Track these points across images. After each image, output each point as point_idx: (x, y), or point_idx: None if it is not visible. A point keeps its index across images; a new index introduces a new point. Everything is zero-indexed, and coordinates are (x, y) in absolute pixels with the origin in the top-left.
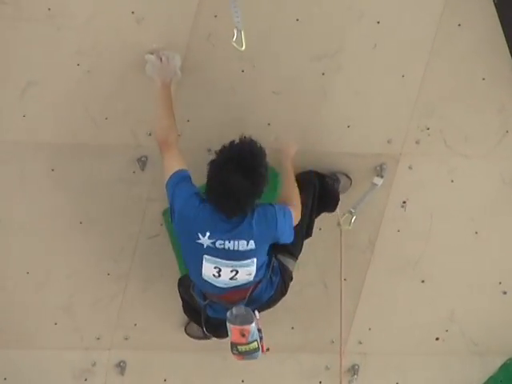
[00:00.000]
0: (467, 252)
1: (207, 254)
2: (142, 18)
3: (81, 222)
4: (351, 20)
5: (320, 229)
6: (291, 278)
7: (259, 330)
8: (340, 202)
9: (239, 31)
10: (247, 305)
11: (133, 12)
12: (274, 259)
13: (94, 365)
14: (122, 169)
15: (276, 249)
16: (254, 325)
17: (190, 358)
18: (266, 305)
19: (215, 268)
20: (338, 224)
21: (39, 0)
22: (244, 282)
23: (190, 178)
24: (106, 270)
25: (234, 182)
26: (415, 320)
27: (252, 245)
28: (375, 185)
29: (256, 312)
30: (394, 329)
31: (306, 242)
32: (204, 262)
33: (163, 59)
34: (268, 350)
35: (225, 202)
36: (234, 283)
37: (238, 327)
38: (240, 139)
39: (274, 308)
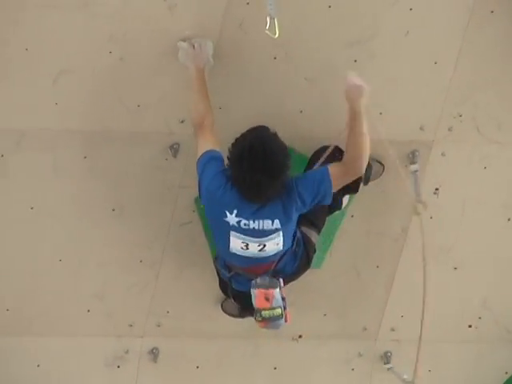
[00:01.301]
0: (500, 239)
1: (234, 231)
2: (175, 4)
3: (113, 209)
4: (384, 6)
5: (352, 216)
6: (315, 251)
7: (283, 299)
8: (376, 186)
9: (272, 19)
10: (273, 275)
11: None
12: (297, 231)
13: (126, 352)
14: (154, 156)
15: (299, 221)
16: (278, 290)
17: (223, 345)
18: (290, 277)
19: (243, 243)
20: (417, 213)
21: None
22: (273, 252)
23: (222, 159)
24: (138, 257)
25: (250, 179)
26: (448, 307)
27: (277, 224)
28: (416, 171)
29: (280, 279)
30: (427, 316)
31: (340, 230)
32: (231, 237)
33: (196, 46)
34: (301, 336)
35: (246, 194)
36: (263, 254)
37: (262, 290)
38: (250, 132)
39: (306, 295)
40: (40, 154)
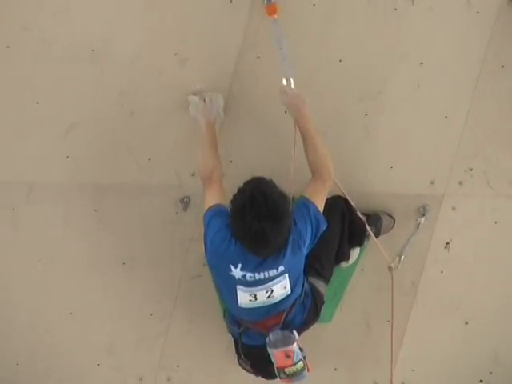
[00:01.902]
0: (511, 293)
1: (240, 285)
2: (186, 59)
3: (124, 263)
4: (394, 61)
5: (363, 270)
6: (323, 302)
7: (301, 350)
8: (384, 243)
9: (288, 79)
10: (282, 329)
11: (176, 53)
12: (305, 282)
13: None
14: (165, 209)
15: (306, 272)
16: (295, 344)
17: None
18: (299, 329)
19: (250, 295)
20: (389, 268)
21: (83, 41)
22: (281, 296)
23: (227, 214)
24: (148, 310)
25: (256, 229)
26: (459, 362)
27: (281, 268)
28: (419, 224)
29: (294, 331)
30: (438, 370)
31: (351, 284)
32: (238, 291)
33: (206, 100)
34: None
35: (252, 246)
36: (272, 300)
37: (281, 350)
38: (247, 184)
39: (316, 349)
40: (50, 207)
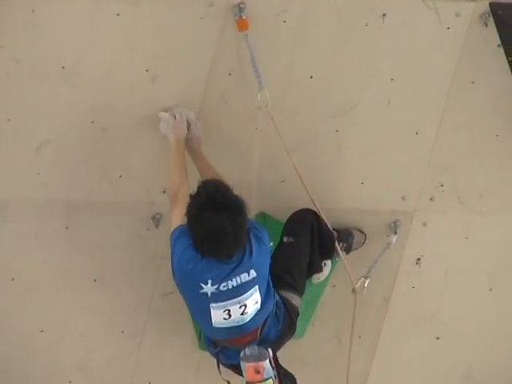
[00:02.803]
0: (482, 309)
1: (214, 302)
2: (157, 75)
3: (95, 280)
4: (365, 77)
5: (334, 286)
6: (298, 314)
7: (273, 368)
8: (354, 260)
9: (263, 90)
10: (258, 345)
11: (147, 70)
12: (276, 295)
13: None
14: (136, 226)
15: (276, 285)
16: (267, 361)
17: None
18: (276, 343)
19: (224, 311)
20: (353, 290)
21: (53, 58)
22: (253, 312)
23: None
24: (120, 327)
25: (216, 225)
26: (431, 377)
27: (253, 273)
28: (390, 243)
29: (269, 349)
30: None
31: (323, 299)
32: (212, 310)
33: (177, 116)
34: None
35: (219, 250)
36: (246, 318)
37: (252, 364)
38: (202, 185)
39: (289, 364)
40: (22, 224)
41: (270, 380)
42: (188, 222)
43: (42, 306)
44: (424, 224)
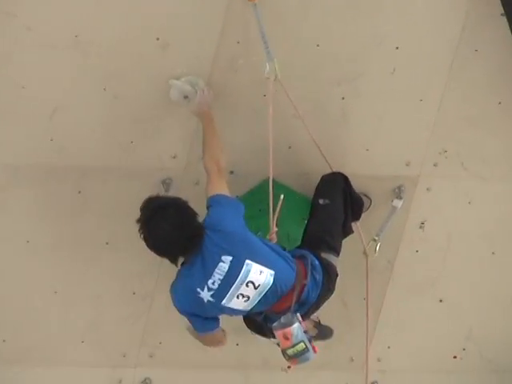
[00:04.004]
0: (484, 272)
1: (221, 300)
2: (167, 44)
3: (107, 243)
4: (371, 46)
5: None
6: (337, 275)
7: (305, 332)
8: (361, 224)
9: (271, 60)
10: (299, 307)
11: (158, 38)
12: (313, 258)
13: (120, 382)
14: (147, 191)
15: (318, 247)
16: (295, 326)
17: (214, 375)
18: (316, 304)
19: (238, 298)
20: (364, 253)
21: (66, 27)
22: (269, 278)
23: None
24: (131, 289)
25: (162, 231)
26: (433, 338)
27: (227, 259)
28: (395, 207)
29: (298, 314)
30: (413, 347)
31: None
32: (228, 305)
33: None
34: (289, 367)
35: (174, 248)
36: (264, 288)
37: (279, 331)
38: (142, 211)
39: None
40: (35, 189)
41: (301, 344)
42: (144, 235)
43: (56, 268)
44: (428, 189)
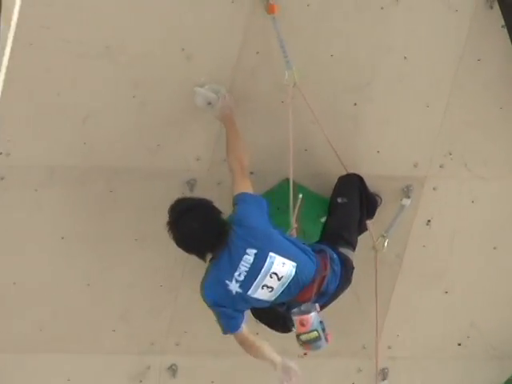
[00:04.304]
0: (487, 265)
1: (247, 291)
2: (192, 54)
3: (136, 239)
4: (381, 55)
5: None
6: (353, 267)
7: (321, 322)
8: (372, 221)
9: (290, 69)
10: (319, 298)
11: (183, 49)
12: (332, 252)
13: (148, 368)
14: (173, 190)
15: (336, 242)
16: (313, 314)
17: (235, 361)
18: (334, 295)
19: (263, 288)
20: (373, 248)
21: (98, 38)
22: (291, 269)
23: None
24: (159, 282)
25: (191, 230)
26: (439, 327)
27: (252, 252)
28: (403, 206)
29: (316, 304)
30: (420, 335)
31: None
32: (254, 296)
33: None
34: (306, 354)
35: (202, 245)
36: (287, 279)
37: (297, 317)
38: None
39: None
40: (70, 189)
41: (315, 332)
42: (176, 234)
43: (89, 262)
44: (434, 189)
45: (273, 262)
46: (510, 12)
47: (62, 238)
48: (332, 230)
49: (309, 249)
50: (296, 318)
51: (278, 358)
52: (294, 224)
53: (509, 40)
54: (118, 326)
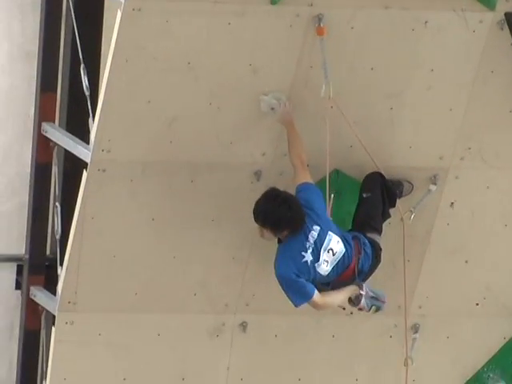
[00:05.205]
0: (499, 239)
1: (316, 262)
2: (257, 68)
3: (213, 220)
4: (412, 68)
5: (389, 223)
6: (381, 249)
7: (372, 298)
8: (404, 203)
9: (328, 84)
10: (358, 275)
11: (250, 64)
12: (363, 237)
13: (223, 325)
14: (243, 180)
15: (364, 229)
16: (362, 301)
17: (295, 319)
18: (369, 273)
19: (324, 263)
20: (401, 219)
21: (181, 56)
22: (342, 250)
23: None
24: (231, 254)
25: (278, 208)
26: (461, 290)
27: (317, 229)
28: (430, 190)
29: (362, 289)
30: (445, 297)
31: (383, 234)
32: (317, 268)
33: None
34: (352, 313)
35: (291, 224)
36: (337, 256)
37: (356, 307)
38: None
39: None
40: (158, 179)
41: (373, 308)
42: (261, 224)
43: (174, 239)
44: (456, 177)
45: (331, 240)
46: None
47: (153, 219)
48: (360, 219)
49: (346, 234)
50: (356, 308)
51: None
52: (328, 209)
53: None
54: (198, 290)
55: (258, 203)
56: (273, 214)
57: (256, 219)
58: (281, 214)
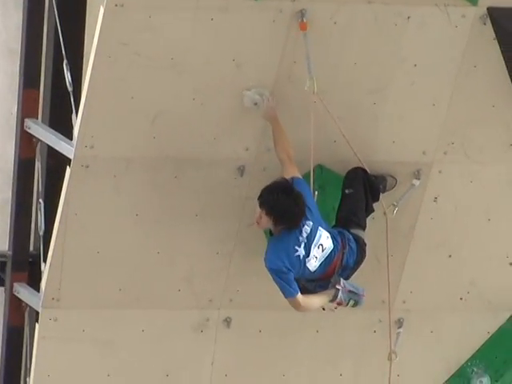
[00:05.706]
0: (483, 234)
1: (307, 257)
2: (241, 63)
3: (196, 215)
4: (395, 64)
5: (373, 218)
6: (365, 244)
7: (350, 292)
8: (387, 197)
9: (312, 79)
10: (342, 271)
11: (233, 59)
12: (347, 233)
13: (207, 320)
14: (226, 175)
15: (348, 225)
16: (340, 295)
17: (278, 314)
18: (354, 268)
19: (314, 258)
20: (384, 213)
21: (165, 52)
22: (330, 246)
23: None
24: (215, 249)
25: (288, 201)
26: (445, 285)
27: (310, 224)
28: (414, 185)
29: (341, 284)
30: (429, 292)
31: (367, 229)
32: (307, 263)
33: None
34: (336, 308)
35: (294, 220)
36: (325, 252)
37: (334, 303)
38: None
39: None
40: (142, 175)
41: (351, 301)
42: (269, 212)
43: (158, 233)
44: (439, 172)
45: (321, 235)
46: (499, 27)
47: (137, 214)
48: (343, 215)
49: (332, 230)
50: (334, 304)
51: None
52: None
53: (499, 50)
54: (182, 286)
55: (270, 191)
56: (282, 207)
57: (262, 205)
58: (291, 208)
